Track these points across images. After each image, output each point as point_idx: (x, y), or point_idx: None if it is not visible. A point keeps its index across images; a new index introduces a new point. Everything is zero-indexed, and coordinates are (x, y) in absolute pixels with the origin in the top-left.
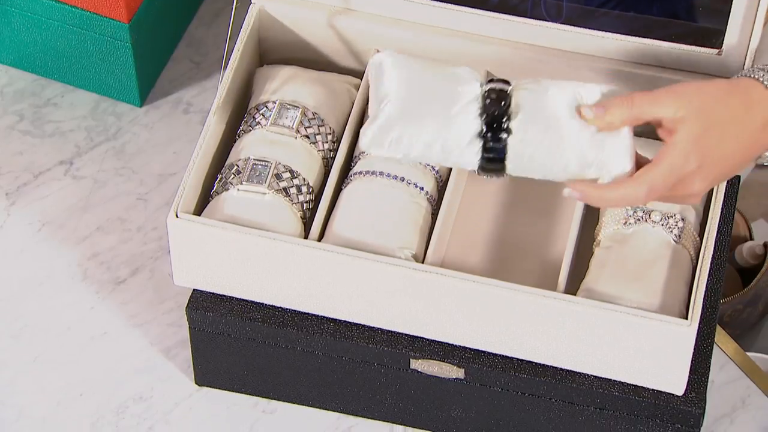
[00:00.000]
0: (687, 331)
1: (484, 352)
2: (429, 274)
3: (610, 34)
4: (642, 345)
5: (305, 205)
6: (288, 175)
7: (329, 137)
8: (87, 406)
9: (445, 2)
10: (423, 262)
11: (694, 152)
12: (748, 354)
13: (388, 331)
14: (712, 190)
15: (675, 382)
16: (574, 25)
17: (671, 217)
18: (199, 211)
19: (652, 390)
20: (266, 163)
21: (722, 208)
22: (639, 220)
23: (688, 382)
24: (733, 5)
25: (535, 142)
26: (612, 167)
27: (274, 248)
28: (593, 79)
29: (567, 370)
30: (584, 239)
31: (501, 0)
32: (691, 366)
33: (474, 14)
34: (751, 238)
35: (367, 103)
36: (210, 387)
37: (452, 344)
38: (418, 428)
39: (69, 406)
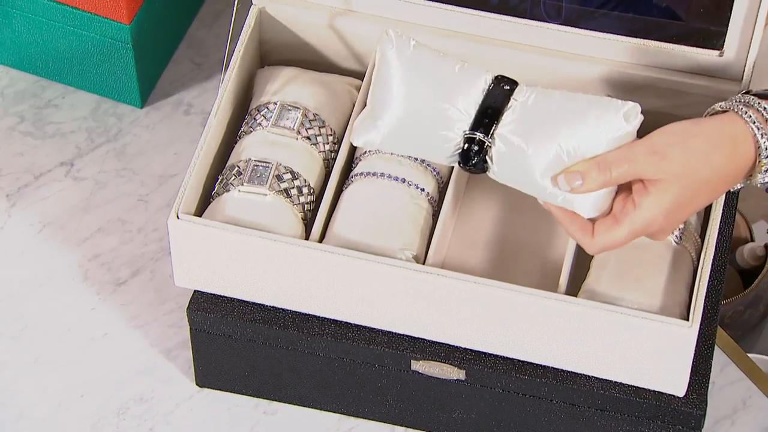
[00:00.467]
0: (688, 332)
1: (485, 353)
2: (430, 275)
3: (610, 35)
4: (643, 346)
5: (306, 206)
6: (289, 176)
7: (330, 138)
8: (88, 408)
9: (445, 3)
10: (424, 264)
11: (661, 217)
12: (749, 355)
13: (389, 332)
14: None
15: (676, 384)
16: (574, 26)
17: None
18: (200, 212)
19: (653, 391)
20: (267, 165)
21: (723, 210)
22: None
23: (689, 383)
24: (734, 7)
25: (510, 180)
26: (576, 206)
27: (275, 249)
28: (593, 80)
29: (568, 372)
30: None
31: (501, 1)
32: (692, 367)
33: (474, 15)
34: (752, 240)
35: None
36: (211, 388)
37: (453, 345)
38: (419, 430)
39: (70, 407)
